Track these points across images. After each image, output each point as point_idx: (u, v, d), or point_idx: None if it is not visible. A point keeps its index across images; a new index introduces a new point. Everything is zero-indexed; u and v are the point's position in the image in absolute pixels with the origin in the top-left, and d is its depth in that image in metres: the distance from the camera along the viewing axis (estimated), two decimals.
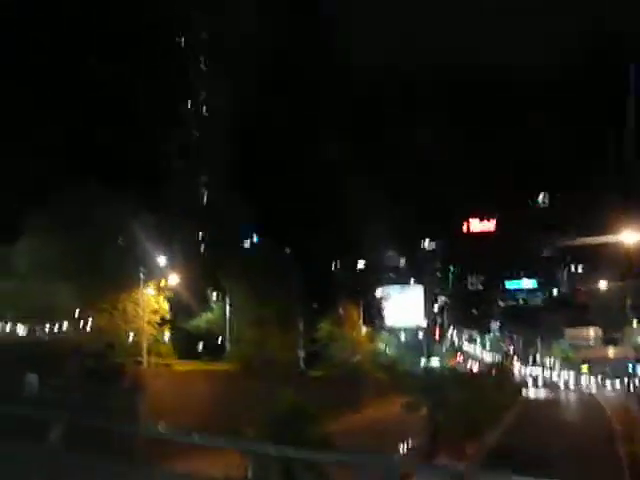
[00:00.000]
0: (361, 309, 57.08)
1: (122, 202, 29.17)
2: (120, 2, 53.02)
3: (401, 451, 22.34)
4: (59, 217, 26.01)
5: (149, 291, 29.05)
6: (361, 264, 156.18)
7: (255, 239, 76.84)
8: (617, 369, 55.87)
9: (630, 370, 51.21)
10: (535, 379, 65.54)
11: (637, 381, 53.37)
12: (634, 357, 37.96)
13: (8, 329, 29.33)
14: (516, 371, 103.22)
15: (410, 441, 24.22)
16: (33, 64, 42.21)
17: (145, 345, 28.41)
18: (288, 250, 61.62)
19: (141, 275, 28.48)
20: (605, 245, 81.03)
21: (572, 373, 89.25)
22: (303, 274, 50.47)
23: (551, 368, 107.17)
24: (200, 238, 61.70)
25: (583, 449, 27.07)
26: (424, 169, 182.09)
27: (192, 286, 38.33)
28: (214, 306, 42.03)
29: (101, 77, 44.31)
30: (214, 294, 42.20)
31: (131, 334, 28.79)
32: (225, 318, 39.85)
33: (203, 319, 41.55)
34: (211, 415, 23.82)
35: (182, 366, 32.53)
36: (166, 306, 29.18)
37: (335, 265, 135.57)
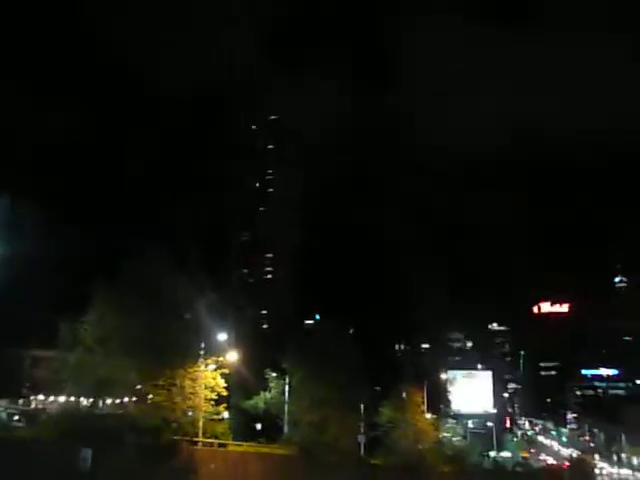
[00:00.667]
0: (425, 393, 54.40)
1: (189, 276, 29.79)
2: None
3: None
4: (127, 289, 26.70)
5: (208, 367, 28.88)
6: (425, 346, 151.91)
7: (317, 317, 76.42)
8: None
9: None
10: None
11: None
12: None
13: (71, 400, 29.71)
14: (598, 470, 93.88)
15: None
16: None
17: (201, 423, 27.89)
18: (350, 330, 60.62)
19: (201, 352, 28.46)
20: None
21: None
22: (365, 355, 49.19)
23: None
24: (261, 315, 62.16)
25: None
26: (495, 251, 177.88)
27: (252, 364, 37.91)
28: (272, 385, 41.23)
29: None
30: (273, 374, 41.51)
31: (189, 412, 28.42)
32: (284, 399, 38.91)
33: (261, 398, 40.73)
34: None
35: (238, 447, 31.62)
36: (222, 383, 28.77)
37: (399, 347, 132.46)
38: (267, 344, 42.70)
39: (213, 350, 29.59)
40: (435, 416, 62.70)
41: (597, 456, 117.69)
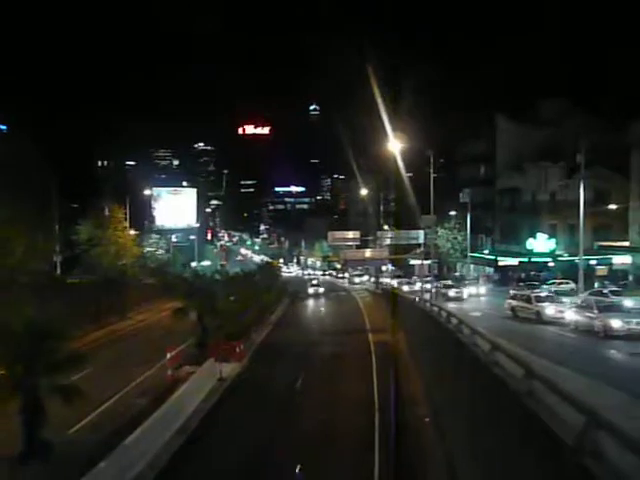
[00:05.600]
0: (128, 210, 52.87)
1: None
2: None
3: (168, 356, 21.23)
4: None
5: None
6: (131, 163, 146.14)
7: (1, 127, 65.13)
8: (372, 268, 62.96)
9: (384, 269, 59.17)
10: (310, 279, 70.58)
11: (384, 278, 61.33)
12: (386, 257, 42.69)
13: None
14: (284, 271, 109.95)
15: (178, 347, 23.22)
16: None
17: None
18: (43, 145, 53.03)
19: None
20: (364, 156, 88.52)
21: (334, 272, 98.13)
22: (59, 171, 44.39)
23: (314, 267, 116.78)
24: None
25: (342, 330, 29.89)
26: (204, 71, 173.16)
27: None
28: None
29: None
30: None
31: None
32: None
33: None
34: None
35: None
36: None
37: (101, 163, 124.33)
38: None
39: None
40: (138, 232, 62.35)
41: (282, 259, 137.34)
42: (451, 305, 32.97)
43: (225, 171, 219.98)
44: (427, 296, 37.24)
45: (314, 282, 64.63)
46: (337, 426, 15.38)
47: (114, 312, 36.96)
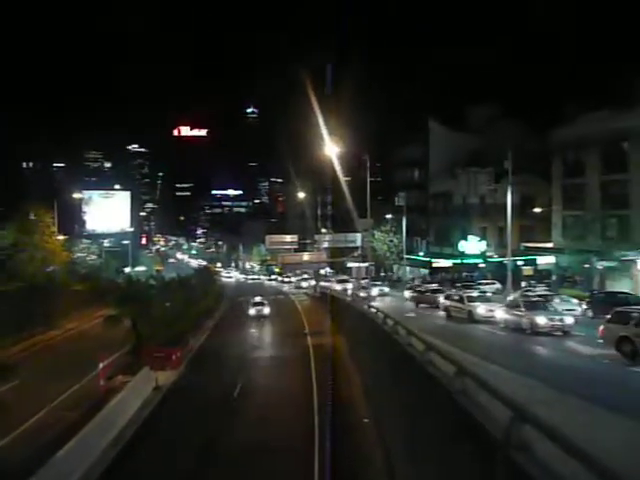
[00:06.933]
0: (56, 214, 50.67)
1: None
2: None
3: (101, 366, 20.48)
4: None
5: None
6: (59, 165, 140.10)
7: None
8: (310, 271, 62.89)
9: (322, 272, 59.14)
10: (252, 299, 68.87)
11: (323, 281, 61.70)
12: (324, 260, 42.91)
13: None
14: (224, 275, 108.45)
15: (112, 356, 22.44)
16: None
17: None
18: None
19: None
20: (302, 160, 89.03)
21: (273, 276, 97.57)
22: None
23: (252, 271, 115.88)
24: None
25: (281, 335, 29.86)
26: (139, 71, 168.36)
27: None
28: None
29: None
30: None
31: None
32: None
33: None
34: None
35: None
36: None
37: (26, 165, 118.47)
38: None
39: None
40: (67, 237, 59.91)
41: (219, 264, 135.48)
42: (384, 305, 33.65)
43: (160, 174, 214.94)
44: (362, 294, 37.93)
45: (257, 299, 44.12)
46: (276, 432, 15.33)
47: (40, 321, 35.25)
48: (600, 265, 40.86)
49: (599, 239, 40.20)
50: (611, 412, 9.47)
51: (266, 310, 41.15)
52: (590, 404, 10.11)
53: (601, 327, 19.27)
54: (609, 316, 19.61)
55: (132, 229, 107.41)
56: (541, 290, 35.85)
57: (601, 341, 18.94)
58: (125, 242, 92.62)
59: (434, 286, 42.24)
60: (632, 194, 38.88)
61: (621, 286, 36.80)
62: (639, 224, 38.25)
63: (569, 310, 27.28)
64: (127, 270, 73.80)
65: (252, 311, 41.33)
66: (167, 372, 21.68)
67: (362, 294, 39.75)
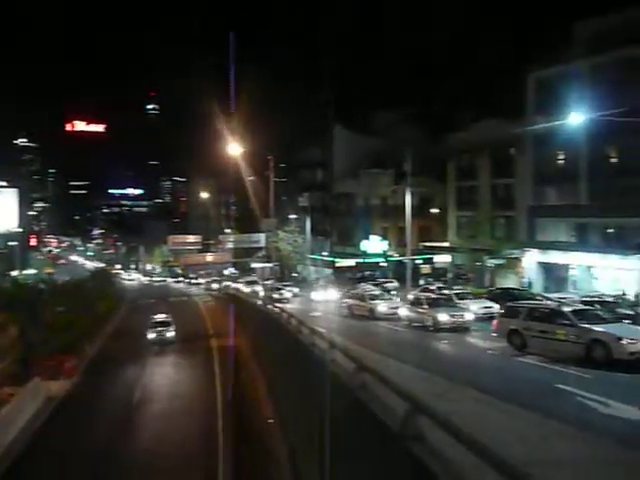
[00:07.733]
0: None
1: None
2: None
3: None
4: None
5: None
6: None
7: None
8: (215, 271, 61.39)
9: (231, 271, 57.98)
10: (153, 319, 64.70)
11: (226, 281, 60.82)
12: (228, 261, 42.26)
13: None
14: (125, 278, 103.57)
15: None
16: None
17: None
18: None
19: None
20: (205, 159, 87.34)
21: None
22: None
23: (154, 273, 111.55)
24: None
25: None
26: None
27: None
28: None
29: None
30: None
31: None
32: None
33: None
34: None
35: None
36: None
37: None
38: None
39: None
40: None
41: (119, 265, 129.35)
42: (291, 306, 33.79)
43: (52, 170, 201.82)
44: (262, 294, 37.74)
45: (158, 317, 32.03)
46: (176, 442, 14.93)
47: None
48: (490, 263, 43.59)
49: (489, 238, 42.86)
50: (493, 396, 10.18)
51: (170, 333, 30.09)
52: (479, 392, 10.76)
53: (494, 321, 20.47)
54: (502, 311, 20.90)
55: (20, 230, 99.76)
56: (452, 288, 36.35)
57: (495, 335, 20.09)
58: (12, 243, 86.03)
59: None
60: (517, 197, 41.96)
61: (508, 282, 39.47)
62: (523, 224, 41.29)
63: (486, 308, 27.06)
64: (14, 274, 68.52)
65: (151, 335, 30.00)
66: (60, 381, 20.43)
67: (275, 296, 39.39)
